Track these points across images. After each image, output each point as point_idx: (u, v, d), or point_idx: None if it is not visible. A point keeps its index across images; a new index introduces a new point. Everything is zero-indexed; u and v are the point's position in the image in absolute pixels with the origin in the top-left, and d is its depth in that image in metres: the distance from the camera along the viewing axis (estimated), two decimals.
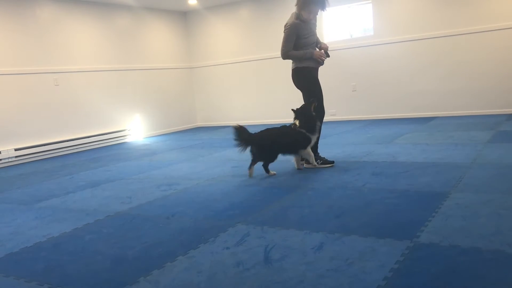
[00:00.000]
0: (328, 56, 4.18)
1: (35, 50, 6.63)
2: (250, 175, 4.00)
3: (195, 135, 8.05)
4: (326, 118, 8.70)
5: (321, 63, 4.14)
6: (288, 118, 8.37)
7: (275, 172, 4.04)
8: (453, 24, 6.93)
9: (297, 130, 3.99)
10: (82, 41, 7.32)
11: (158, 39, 8.76)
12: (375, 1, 7.45)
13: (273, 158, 4.01)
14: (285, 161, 4.63)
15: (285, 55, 4.08)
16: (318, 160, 4.17)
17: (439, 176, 3.46)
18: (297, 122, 4.02)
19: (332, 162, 4.25)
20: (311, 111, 4.01)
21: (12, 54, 6.35)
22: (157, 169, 4.90)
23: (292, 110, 4.10)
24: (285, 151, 4.06)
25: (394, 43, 7.38)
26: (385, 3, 7.40)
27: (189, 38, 9.44)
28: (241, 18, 8.77)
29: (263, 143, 4.00)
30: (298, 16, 4.03)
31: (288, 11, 8.06)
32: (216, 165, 4.82)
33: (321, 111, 4.16)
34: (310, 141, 4.01)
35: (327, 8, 4.06)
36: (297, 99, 7.89)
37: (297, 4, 4.04)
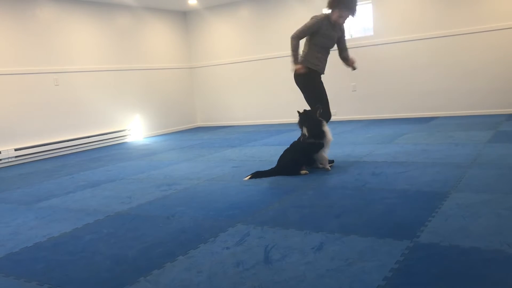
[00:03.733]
0: (354, 68, 4.25)
1: (35, 50, 6.63)
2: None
3: (195, 135, 8.05)
4: None
5: (319, 71, 4.14)
6: (287, 118, 8.42)
7: (306, 171, 4.01)
8: (453, 24, 6.93)
9: (306, 142, 3.95)
10: (82, 41, 7.32)
11: (158, 39, 8.76)
12: (375, 1, 7.45)
13: (296, 172, 3.97)
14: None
15: (291, 38, 4.02)
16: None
17: (439, 176, 3.46)
18: (305, 131, 3.95)
19: (332, 161, 4.25)
20: (317, 116, 3.94)
21: (12, 54, 6.35)
22: (157, 169, 4.90)
23: (298, 112, 4.02)
24: (306, 164, 4.04)
25: (394, 43, 7.38)
26: (385, 3, 7.40)
27: (189, 38, 9.44)
28: (241, 18, 8.77)
29: (281, 164, 4.05)
30: (328, 15, 4.05)
31: (288, 11, 8.12)
32: (216, 165, 4.82)
33: (326, 116, 4.08)
34: (322, 146, 3.95)
35: (356, 14, 4.07)
36: (297, 99, 7.89)
37: (328, 5, 4.04)
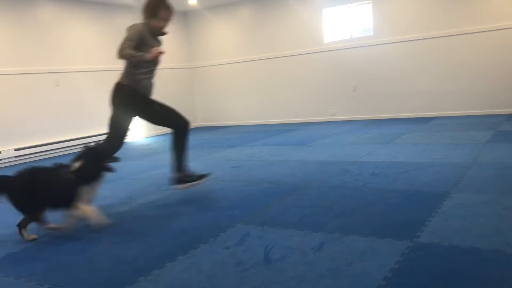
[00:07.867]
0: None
1: (35, 50, 6.62)
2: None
3: (195, 135, 8.05)
4: (326, 118, 8.71)
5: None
6: (287, 118, 8.43)
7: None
8: (453, 24, 6.93)
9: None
10: (82, 41, 7.32)
11: None
12: (375, 1, 7.45)
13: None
14: (284, 161, 4.63)
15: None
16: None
17: (439, 176, 3.46)
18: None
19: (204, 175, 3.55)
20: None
21: (12, 54, 6.35)
22: (157, 169, 4.89)
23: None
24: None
25: (394, 43, 7.38)
26: (385, 3, 7.40)
27: (189, 38, 9.44)
28: (241, 18, 8.77)
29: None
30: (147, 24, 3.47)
31: (288, 11, 8.11)
32: (216, 165, 4.82)
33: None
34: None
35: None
36: (297, 99, 7.89)
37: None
